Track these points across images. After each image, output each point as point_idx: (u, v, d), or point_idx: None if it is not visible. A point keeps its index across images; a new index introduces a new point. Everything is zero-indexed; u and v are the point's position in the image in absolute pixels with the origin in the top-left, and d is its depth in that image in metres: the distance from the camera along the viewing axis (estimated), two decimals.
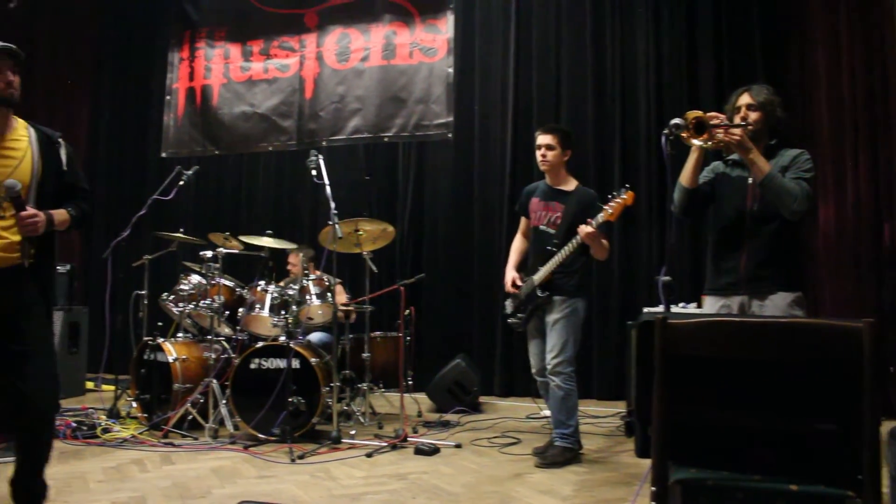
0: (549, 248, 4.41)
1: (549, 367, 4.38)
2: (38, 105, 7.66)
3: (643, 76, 6.90)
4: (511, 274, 4.69)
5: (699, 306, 5.27)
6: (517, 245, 4.84)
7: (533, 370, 4.61)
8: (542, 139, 4.55)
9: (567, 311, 4.39)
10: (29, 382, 2.86)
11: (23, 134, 3.04)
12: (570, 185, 4.61)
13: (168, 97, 8.49)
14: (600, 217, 4.09)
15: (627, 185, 4.11)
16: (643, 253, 6.77)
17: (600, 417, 5.77)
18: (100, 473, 4.06)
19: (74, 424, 5.01)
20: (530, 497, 3.71)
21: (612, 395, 6.57)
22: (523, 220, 4.81)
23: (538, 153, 4.57)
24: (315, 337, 5.71)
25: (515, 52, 7.32)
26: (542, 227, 4.57)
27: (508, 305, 4.67)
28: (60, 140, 3.13)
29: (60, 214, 3.04)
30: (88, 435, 4.89)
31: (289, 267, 6.29)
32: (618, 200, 4.03)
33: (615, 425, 5.50)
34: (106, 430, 4.99)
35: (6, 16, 7.33)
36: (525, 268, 4.67)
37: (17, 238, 2.91)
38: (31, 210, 2.87)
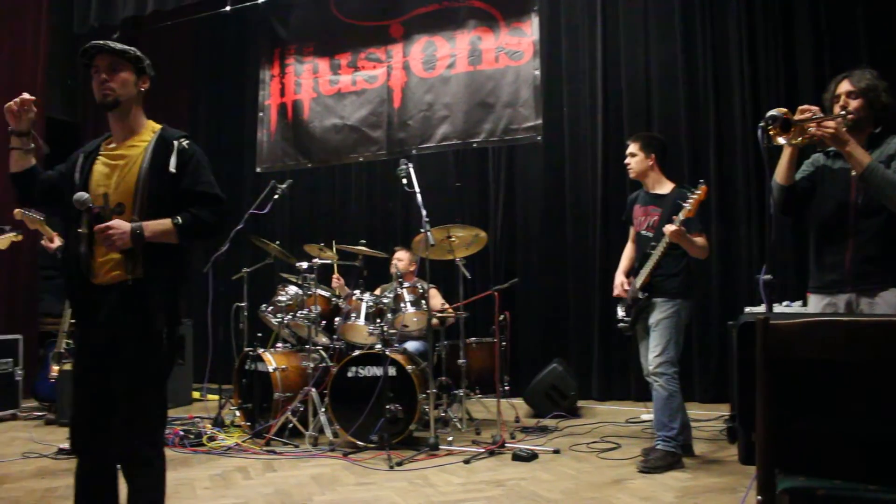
0: (647, 251, 4.44)
1: (650, 367, 4.39)
2: None
3: (737, 67, 6.64)
4: (619, 279, 4.72)
5: (805, 304, 5.07)
6: (627, 252, 4.88)
7: (644, 373, 4.58)
8: (628, 148, 4.68)
9: (669, 312, 4.38)
10: (116, 416, 2.68)
11: (145, 139, 2.82)
12: (666, 187, 4.61)
13: (261, 114, 8.73)
14: (681, 215, 4.15)
15: (701, 181, 4.21)
16: (742, 250, 6.53)
17: (703, 420, 5.59)
18: (206, 481, 4.18)
19: (182, 433, 5.18)
20: None
21: (715, 398, 6.36)
22: (631, 229, 4.84)
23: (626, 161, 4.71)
24: (411, 344, 5.74)
25: (603, 51, 7.18)
26: (642, 232, 4.63)
27: (619, 310, 4.69)
28: (175, 142, 2.79)
29: (159, 225, 2.69)
30: (195, 443, 5.05)
31: (394, 261, 6.25)
32: (693, 197, 4.13)
33: (718, 429, 5.32)
34: (211, 439, 5.14)
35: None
36: (633, 273, 4.67)
37: (118, 255, 2.67)
38: (111, 223, 2.61)
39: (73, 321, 2.99)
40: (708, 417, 5.72)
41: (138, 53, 2.87)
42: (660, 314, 4.37)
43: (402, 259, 6.21)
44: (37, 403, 6.52)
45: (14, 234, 5.27)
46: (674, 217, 4.20)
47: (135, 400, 2.69)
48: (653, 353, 4.36)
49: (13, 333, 6.53)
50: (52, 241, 5.23)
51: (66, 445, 4.79)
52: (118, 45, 2.83)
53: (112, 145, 2.86)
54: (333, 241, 6.04)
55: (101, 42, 2.83)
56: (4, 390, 6.25)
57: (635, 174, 4.65)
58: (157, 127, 2.90)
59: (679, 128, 6.79)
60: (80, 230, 2.73)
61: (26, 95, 2.81)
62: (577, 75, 7.35)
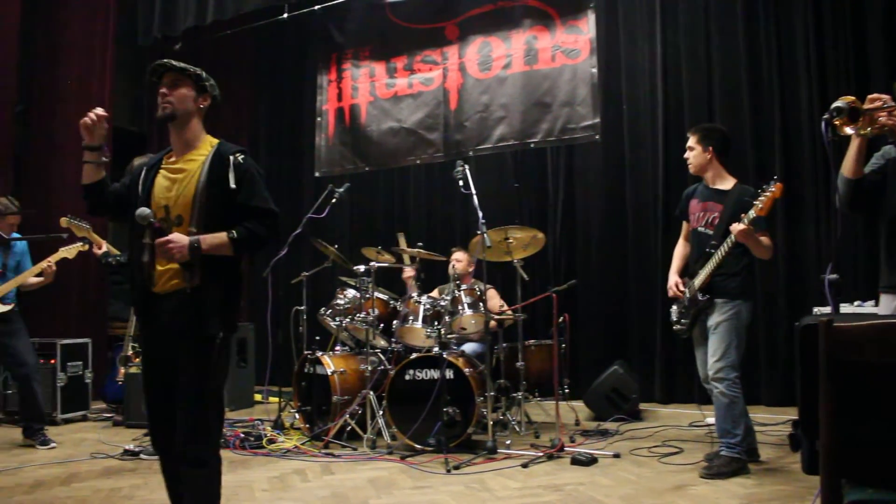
0: (707, 249, 4.25)
1: (710, 372, 4.21)
2: None
3: (802, 56, 6.41)
4: (673, 279, 4.55)
5: (877, 304, 4.88)
6: (679, 250, 4.70)
7: (701, 378, 4.41)
8: (688, 141, 4.49)
9: (729, 314, 4.20)
10: (176, 419, 2.77)
11: (203, 153, 2.92)
12: (728, 183, 4.41)
13: (319, 119, 8.81)
14: (751, 213, 3.95)
15: (776, 178, 3.99)
16: (811, 248, 6.32)
17: (769, 425, 5.42)
18: (265, 483, 4.22)
19: (242, 435, 5.26)
20: None
21: (782, 401, 6.17)
22: (685, 225, 4.65)
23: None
24: (469, 347, 5.71)
25: (662, 47, 7.04)
26: (700, 229, 4.42)
27: (673, 312, 4.52)
28: (231, 157, 2.88)
29: (215, 238, 2.76)
30: (255, 445, 5.11)
31: (452, 262, 6.17)
32: (766, 194, 3.90)
33: (785, 433, 5.15)
34: (271, 441, 5.19)
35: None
36: (687, 272, 4.50)
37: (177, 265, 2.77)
38: (171, 236, 2.70)
39: None
40: (775, 421, 5.56)
41: (199, 71, 2.98)
42: (719, 316, 4.20)
43: (460, 260, 6.17)
44: (105, 405, 6.72)
45: (81, 244, 5.43)
46: (742, 215, 4.00)
47: (191, 402, 2.76)
48: (713, 358, 4.18)
49: (83, 337, 6.73)
50: (99, 247, 5.41)
51: (131, 446, 4.90)
52: (179, 63, 2.96)
53: (172, 159, 2.96)
54: (403, 234, 6.05)
55: (165, 60, 2.97)
56: (75, 392, 6.44)
57: (694, 169, 4.46)
58: (215, 142, 2.99)
59: (743, 123, 6.59)
60: (144, 241, 2.83)
61: (100, 111, 2.90)
62: (636, 72, 7.22)
